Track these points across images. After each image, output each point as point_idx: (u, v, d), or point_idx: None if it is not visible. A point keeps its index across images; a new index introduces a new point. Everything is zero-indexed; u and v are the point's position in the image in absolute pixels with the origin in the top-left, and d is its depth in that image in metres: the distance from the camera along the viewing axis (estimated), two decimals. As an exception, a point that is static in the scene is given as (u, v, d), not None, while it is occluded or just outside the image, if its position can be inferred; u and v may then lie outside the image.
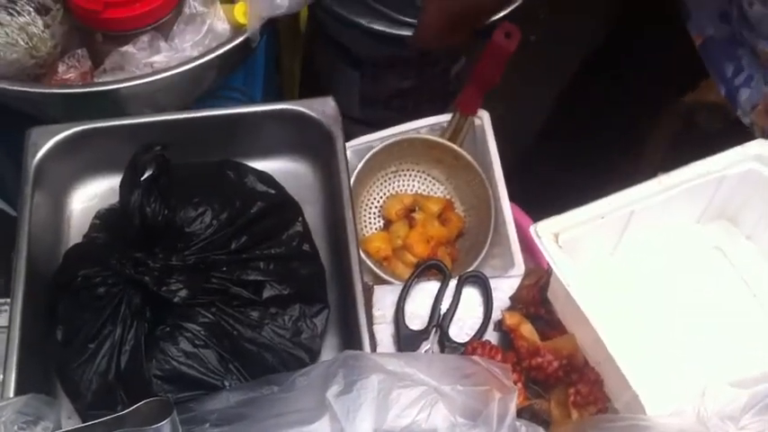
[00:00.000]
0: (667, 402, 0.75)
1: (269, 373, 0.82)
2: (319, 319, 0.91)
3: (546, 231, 0.83)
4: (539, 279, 0.92)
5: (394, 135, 1.27)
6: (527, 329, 0.90)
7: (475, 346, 0.89)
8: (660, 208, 0.88)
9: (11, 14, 1.01)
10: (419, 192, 1.32)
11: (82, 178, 1.02)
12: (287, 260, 0.92)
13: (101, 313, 0.86)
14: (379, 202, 1.32)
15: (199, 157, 0.97)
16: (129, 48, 1.04)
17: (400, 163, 1.31)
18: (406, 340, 0.93)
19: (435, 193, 1.32)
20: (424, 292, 0.96)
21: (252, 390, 0.79)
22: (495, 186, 1.23)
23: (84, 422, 0.84)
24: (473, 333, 0.93)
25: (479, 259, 1.19)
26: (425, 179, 1.33)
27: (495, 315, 0.94)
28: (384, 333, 0.94)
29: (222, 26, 1.08)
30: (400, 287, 0.97)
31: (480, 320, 0.94)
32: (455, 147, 1.26)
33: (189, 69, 1.02)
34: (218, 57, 1.04)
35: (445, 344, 0.93)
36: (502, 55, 1.16)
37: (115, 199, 0.92)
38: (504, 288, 0.96)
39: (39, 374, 0.87)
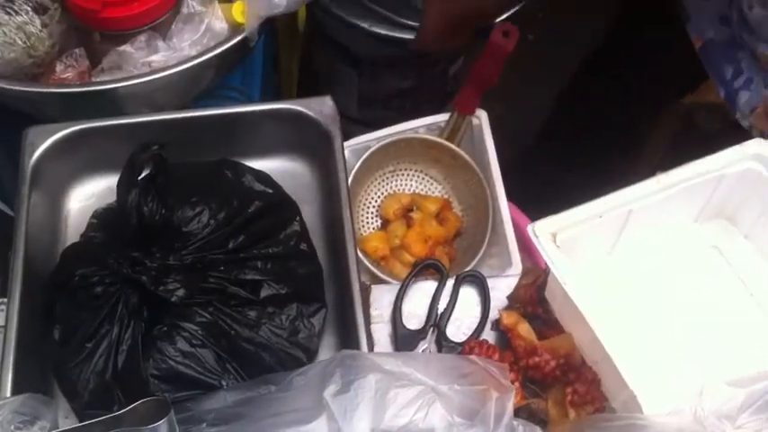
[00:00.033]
0: (664, 401, 0.75)
1: (266, 373, 0.82)
2: (317, 319, 0.91)
3: (543, 231, 0.83)
4: (536, 278, 0.92)
5: (392, 135, 1.27)
6: (524, 329, 0.90)
7: (472, 345, 0.89)
8: (658, 207, 0.88)
9: (8, 14, 1.01)
10: (417, 191, 1.32)
11: (79, 177, 1.02)
12: (284, 259, 0.92)
13: (98, 313, 0.86)
14: (376, 201, 1.32)
15: (196, 157, 0.97)
16: (126, 47, 1.04)
17: (398, 162, 1.31)
18: (404, 340, 0.93)
19: (433, 192, 1.32)
20: (422, 292, 0.96)
21: (249, 389, 0.79)
22: (493, 186, 1.23)
23: (81, 422, 0.83)
24: (470, 332, 0.93)
25: (477, 259, 1.19)
26: (423, 179, 1.33)
27: (493, 314, 0.94)
28: (381, 332, 0.94)
29: (220, 25, 1.08)
30: (398, 287, 0.97)
31: (478, 320, 0.94)
32: (453, 146, 1.26)
33: (187, 69, 1.02)
34: (216, 56, 1.04)
35: (442, 343, 0.92)
36: (500, 54, 1.16)
37: (112, 198, 0.92)
38: (502, 287, 0.96)
39: (36, 374, 0.87)
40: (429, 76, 1.47)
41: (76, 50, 1.07)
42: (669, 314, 0.89)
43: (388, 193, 1.32)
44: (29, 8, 1.02)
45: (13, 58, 1.02)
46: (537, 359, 0.86)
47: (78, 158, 1.00)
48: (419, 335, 0.93)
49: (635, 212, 0.87)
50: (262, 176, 0.98)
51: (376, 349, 0.92)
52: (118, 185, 0.86)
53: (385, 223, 1.30)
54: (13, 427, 0.71)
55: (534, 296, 0.92)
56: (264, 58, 1.27)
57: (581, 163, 1.46)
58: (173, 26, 1.06)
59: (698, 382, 0.75)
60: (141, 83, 1.01)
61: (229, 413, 0.77)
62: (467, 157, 1.26)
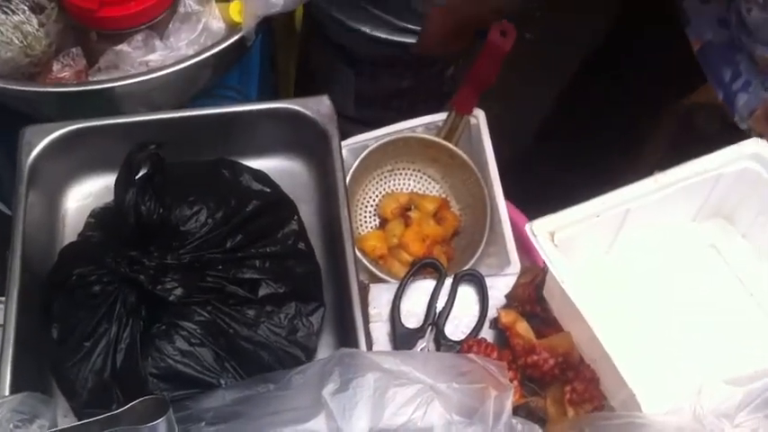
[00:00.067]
0: (663, 400, 0.75)
1: (265, 372, 0.82)
2: (315, 318, 0.91)
3: (542, 230, 0.83)
4: (534, 277, 0.92)
5: (390, 134, 1.27)
6: (523, 327, 0.90)
7: (471, 344, 0.89)
8: (656, 206, 0.88)
9: (5, 13, 1.01)
10: (415, 190, 1.32)
11: (77, 177, 1.02)
12: (282, 258, 0.92)
13: (96, 312, 0.86)
14: (374, 200, 1.32)
15: (194, 156, 0.97)
16: (123, 46, 1.04)
17: (396, 162, 1.31)
18: (402, 338, 0.93)
19: (431, 191, 1.32)
20: (420, 291, 0.96)
21: (248, 388, 0.79)
22: (491, 185, 1.23)
23: (79, 420, 0.83)
24: (469, 331, 0.93)
25: (475, 258, 1.19)
26: (421, 178, 1.33)
27: (491, 313, 0.94)
28: (380, 331, 0.94)
29: (217, 25, 1.08)
30: (396, 285, 0.97)
31: (476, 319, 0.94)
32: (451, 146, 1.27)
33: (184, 68, 1.02)
34: (213, 55, 1.03)
35: (441, 342, 0.92)
36: (498, 53, 1.16)
37: (110, 198, 0.92)
38: (500, 286, 0.96)
39: (34, 373, 0.87)
40: (427, 76, 1.47)
41: (73, 50, 1.07)
42: (667, 313, 0.89)
43: (386, 193, 1.32)
44: (26, 7, 1.01)
45: (9, 58, 1.01)
46: (535, 358, 0.86)
47: (75, 158, 1.00)
48: (417, 333, 0.93)
49: (633, 212, 0.87)
50: (259, 176, 0.98)
51: (374, 348, 0.92)
52: (115, 185, 0.86)
53: (383, 222, 1.30)
54: (12, 426, 0.71)
55: (532, 295, 0.92)
56: (262, 58, 1.27)
57: (581, 163, 1.46)
58: (170, 25, 1.06)
59: (696, 380, 0.75)
60: (138, 82, 1.00)
61: (228, 412, 0.77)
62: (465, 156, 1.26)
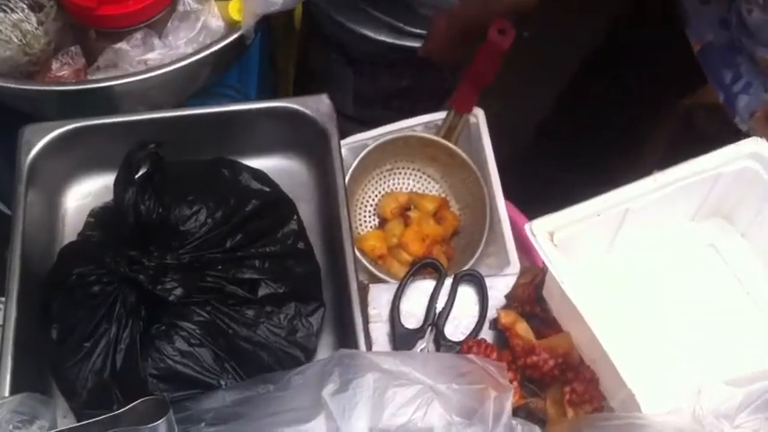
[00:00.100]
0: (663, 401, 0.75)
1: (264, 372, 0.82)
2: (315, 318, 0.91)
3: (541, 230, 0.83)
4: (534, 277, 0.92)
5: (389, 133, 1.27)
6: (522, 328, 0.90)
7: (470, 344, 0.89)
8: (655, 206, 0.88)
9: (4, 11, 1.00)
10: (414, 190, 1.32)
11: (76, 176, 1.02)
12: (282, 258, 0.92)
13: (96, 312, 0.86)
14: (374, 200, 1.32)
15: (193, 155, 0.97)
16: (122, 45, 1.04)
17: (395, 161, 1.31)
18: (402, 339, 0.93)
19: (430, 191, 1.32)
20: (420, 291, 0.96)
21: (247, 388, 0.79)
22: (491, 184, 1.22)
23: (79, 421, 0.83)
24: (468, 332, 0.93)
25: (475, 258, 1.19)
26: (420, 177, 1.33)
27: (491, 313, 0.94)
28: (379, 332, 0.94)
29: (216, 23, 1.08)
30: (395, 286, 0.96)
31: (476, 319, 0.94)
32: (450, 145, 1.26)
33: (183, 67, 1.02)
34: (212, 54, 1.03)
35: (441, 342, 0.92)
36: (496, 52, 1.16)
37: (109, 197, 0.92)
38: (500, 286, 0.96)
39: (33, 373, 0.87)
40: (426, 75, 1.47)
41: (72, 48, 1.07)
42: (666, 313, 0.89)
43: (386, 192, 1.32)
44: (24, 6, 1.01)
45: (8, 56, 1.01)
46: (535, 358, 0.86)
47: (75, 157, 1.00)
48: (417, 334, 0.93)
49: (632, 211, 0.87)
50: (259, 175, 0.98)
51: (374, 348, 0.92)
52: (115, 184, 0.85)
53: (382, 222, 1.30)
54: (11, 427, 0.71)
55: (532, 295, 0.92)
56: (261, 56, 1.27)
57: (581, 163, 1.46)
58: (169, 24, 1.06)
59: (696, 380, 0.75)
60: (137, 81, 1.00)
61: (228, 412, 0.77)
62: (464, 155, 1.26)
